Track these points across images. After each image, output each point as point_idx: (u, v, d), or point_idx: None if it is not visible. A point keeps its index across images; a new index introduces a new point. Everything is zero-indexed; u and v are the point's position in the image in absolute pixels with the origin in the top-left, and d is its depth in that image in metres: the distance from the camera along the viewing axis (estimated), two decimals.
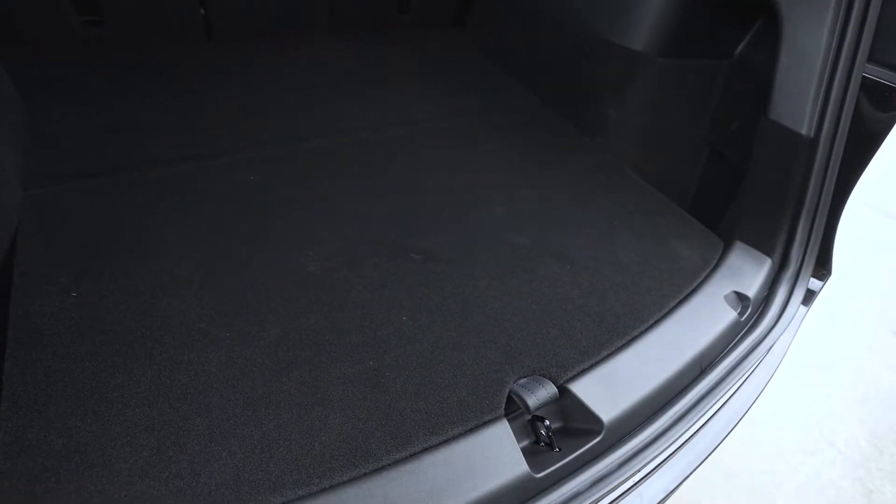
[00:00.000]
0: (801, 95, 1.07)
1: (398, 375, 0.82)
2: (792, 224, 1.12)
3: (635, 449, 0.80)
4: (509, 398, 0.82)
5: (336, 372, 0.81)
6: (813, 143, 1.07)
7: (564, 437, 0.82)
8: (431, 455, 0.73)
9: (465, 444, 0.75)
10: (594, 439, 0.80)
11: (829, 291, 2.49)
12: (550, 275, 1.06)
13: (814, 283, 1.17)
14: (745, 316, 1.07)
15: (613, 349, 0.92)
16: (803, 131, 1.07)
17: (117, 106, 1.37)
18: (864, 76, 1.02)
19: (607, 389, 0.85)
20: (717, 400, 0.93)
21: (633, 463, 0.79)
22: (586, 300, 1.01)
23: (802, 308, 1.12)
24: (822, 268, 1.16)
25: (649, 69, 1.43)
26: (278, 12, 1.80)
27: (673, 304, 1.04)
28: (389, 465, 0.71)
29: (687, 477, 0.88)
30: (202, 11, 1.70)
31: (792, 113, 1.09)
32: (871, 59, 1.01)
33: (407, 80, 1.72)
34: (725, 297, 1.07)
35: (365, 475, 0.69)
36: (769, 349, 1.03)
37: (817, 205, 1.10)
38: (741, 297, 1.09)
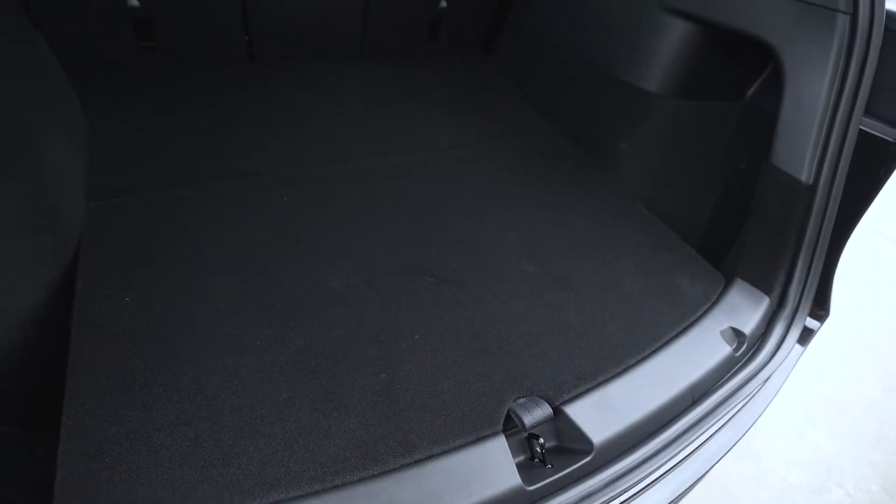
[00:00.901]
0: (801, 144, 1.13)
1: (408, 388, 0.91)
2: (791, 265, 1.17)
3: (623, 470, 0.87)
4: (508, 416, 0.90)
5: (352, 382, 0.90)
6: (812, 189, 1.12)
7: (557, 455, 0.89)
8: (434, 463, 0.80)
9: (465, 454, 0.82)
10: (584, 459, 0.86)
11: (847, 326, 2.47)
12: (555, 301, 1.13)
13: (812, 323, 1.21)
14: (741, 352, 1.12)
15: (609, 376, 0.99)
16: (803, 178, 1.13)
17: (168, 124, 1.51)
18: (861, 129, 1.07)
19: (600, 413, 0.92)
20: (707, 430, 0.98)
21: (620, 483, 0.85)
22: (587, 328, 1.08)
23: (798, 347, 1.16)
24: (820, 308, 1.20)
25: (662, 109, 1.50)
26: (314, 38, 1.94)
27: (670, 335, 1.10)
28: (395, 469, 0.79)
29: (675, 500, 0.94)
30: (246, 38, 1.85)
31: (793, 160, 1.15)
32: (869, 112, 1.07)
33: (432, 106, 1.83)
34: (722, 333, 1.13)
35: (373, 476, 0.78)
36: (762, 384, 1.08)
37: (815, 248, 1.15)
38: (737, 333, 1.14)
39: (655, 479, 0.89)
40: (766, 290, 1.20)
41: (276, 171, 1.40)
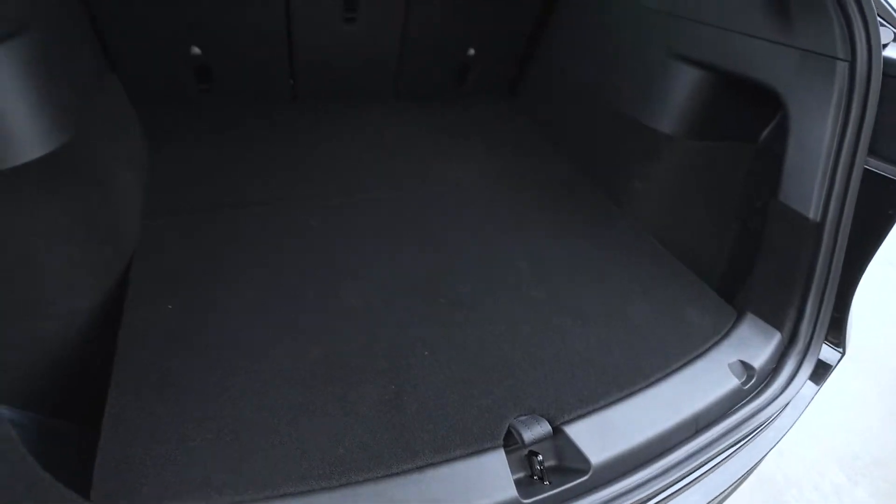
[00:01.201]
0: (808, 182, 1.16)
1: (415, 400, 0.96)
2: (802, 300, 1.18)
3: (620, 491, 0.88)
4: (509, 431, 0.93)
5: (363, 391, 0.97)
6: (819, 226, 1.14)
7: (556, 473, 0.91)
8: (434, 470, 0.85)
9: (465, 464, 0.87)
10: (581, 478, 0.88)
11: (882, 369, 2.34)
12: (562, 327, 1.18)
13: (829, 358, 1.20)
14: (749, 385, 1.12)
15: (611, 400, 1.01)
16: (810, 215, 1.16)
17: (217, 155, 1.68)
18: (868, 168, 1.10)
19: (600, 435, 0.94)
20: (711, 459, 0.98)
21: (617, 503, 0.87)
22: (592, 353, 1.12)
23: (811, 385, 1.15)
24: (835, 345, 1.19)
25: (675, 149, 1.56)
26: (352, 80, 2.12)
27: (676, 365, 1.12)
28: (398, 473, 0.84)
29: None
30: (291, 81, 2.05)
31: (800, 197, 1.18)
32: (875, 153, 1.10)
33: (457, 143, 1.95)
34: (730, 365, 1.14)
35: (377, 478, 0.83)
36: (770, 419, 1.07)
37: (826, 283, 1.15)
38: (746, 367, 1.14)
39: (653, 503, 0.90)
40: (778, 326, 1.21)
41: (309, 198, 1.53)
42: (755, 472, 1.17)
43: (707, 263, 1.50)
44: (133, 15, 1.64)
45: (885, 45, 1.08)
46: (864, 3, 1.03)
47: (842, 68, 1.09)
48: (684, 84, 1.50)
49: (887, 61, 1.06)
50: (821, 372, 1.19)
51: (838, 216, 1.13)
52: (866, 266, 1.15)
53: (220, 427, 0.88)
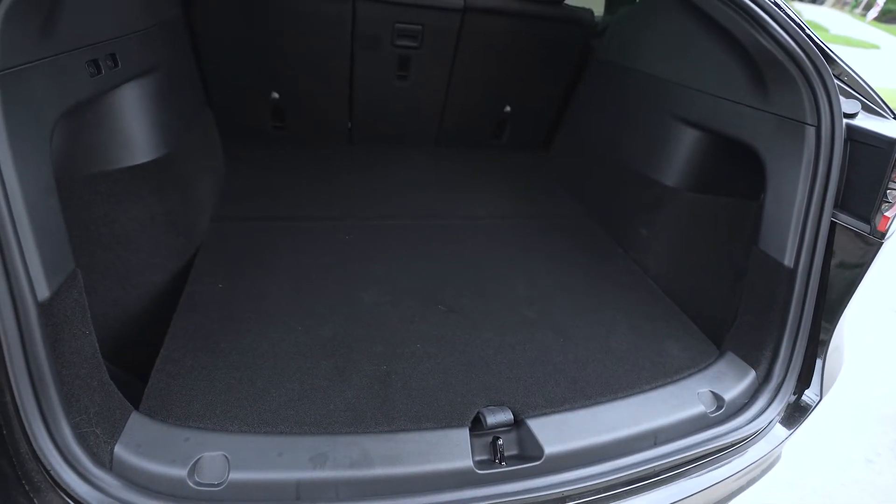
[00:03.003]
0: (783, 231, 1.27)
1: (400, 379, 1.13)
2: (776, 341, 1.25)
3: (567, 480, 0.98)
4: (477, 417, 1.07)
5: (359, 367, 1.15)
6: (792, 272, 1.23)
7: (513, 459, 1.03)
8: (405, 434, 1.00)
9: (433, 434, 1.01)
10: (533, 462, 1.00)
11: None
12: (545, 341, 1.31)
13: (808, 400, 1.24)
14: (717, 415, 1.18)
15: (576, 405, 1.13)
16: (785, 261, 1.25)
17: (279, 180, 2.02)
18: (837, 222, 1.19)
19: (558, 431, 1.06)
20: (665, 471, 1.05)
21: (561, 489, 0.97)
22: (567, 366, 1.24)
23: (782, 427, 1.19)
24: (808, 388, 1.23)
25: (678, 201, 1.70)
26: (400, 128, 2.46)
27: (646, 387, 1.21)
28: (375, 432, 1.00)
29: None
30: (349, 125, 2.42)
31: (776, 245, 1.28)
32: (844, 208, 1.20)
33: (485, 186, 2.19)
34: (700, 394, 1.21)
35: (356, 433, 0.99)
36: (735, 446, 1.13)
37: (798, 326, 1.22)
38: (717, 397, 1.21)
39: (600, 496, 0.99)
40: (753, 364, 1.27)
41: (348, 219, 1.80)
42: None
43: (701, 306, 1.58)
44: (229, 64, 2.07)
45: (853, 115, 1.21)
46: (827, 78, 1.18)
47: (810, 132, 1.22)
48: (685, 142, 1.66)
49: (853, 128, 1.18)
50: (797, 415, 1.23)
51: (809, 263, 1.22)
52: (842, 312, 1.21)
53: (242, 376, 1.09)
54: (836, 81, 1.18)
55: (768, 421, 1.17)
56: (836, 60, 1.21)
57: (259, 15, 2.00)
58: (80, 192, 1.23)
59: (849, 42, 14.49)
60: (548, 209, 2.08)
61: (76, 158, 1.22)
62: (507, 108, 2.48)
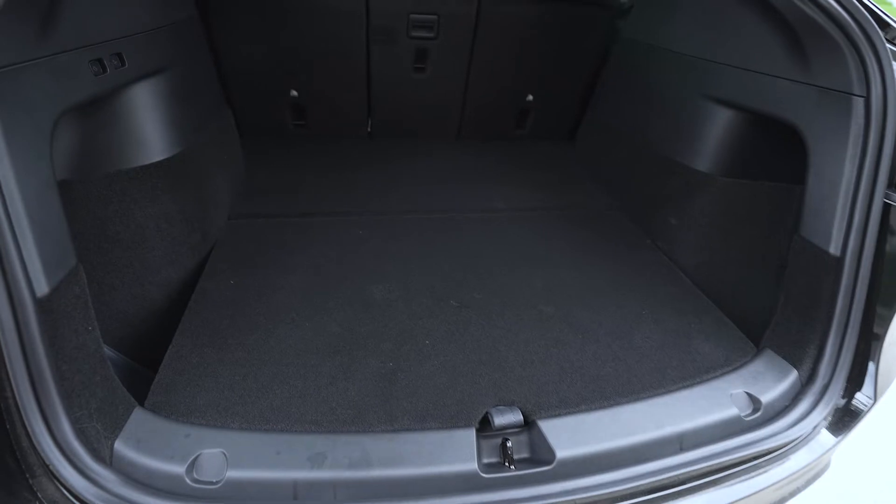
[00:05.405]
0: (828, 217, 1.14)
1: (407, 378, 1.09)
2: (822, 338, 1.12)
3: (580, 487, 0.91)
4: (485, 417, 1.01)
5: (365, 364, 1.12)
6: (839, 261, 1.11)
7: (523, 463, 0.97)
8: (408, 434, 0.96)
9: (436, 435, 0.96)
10: (544, 467, 0.93)
11: None
12: (562, 339, 1.24)
13: (859, 406, 1.11)
14: (753, 418, 1.08)
15: (593, 406, 1.05)
16: (831, 250, 1.12)
17: (297, 177, 2.02)
18: (885, 202, 1.06)
19: (572, 433, 0.99)
20: (691, 479, 0.96)
21: (574, 497, 0.90)
22: (585, 364, 1.16)
23: (828, 434, 1.07)
24: (859, 389, 1.10)
25: (712, 187, 1.57)
26: (421, 122, 2.42)
27: (672, 387, 1.12)
28: (376, 431, 0.96)
29: None
30: (369, 121, 2.40)
31: (820, 232, 1.15)
32: (893, 185, 1.06)
33: (507, 179, 2.12)
34: (733, 395, 1.11)
35: (357, 432, 0.96)
36: (773, 454, 1.02)
37: (847, 321, 1.10)
38: (752, 399, 1.10)
39: None
40: (795, 364, 1.15)
41: (363, 214, 1.78)
42: None
43: (736, 301, 1.46)
44: (247, 62, 2.09)
45: None
46: (878, 43, 1.04)
47: (858, 104, 1.09)
48: (716, 123, 1.54)
49: None
50: (846, 420, 1.11)
51: (859, 251, 1.09)
52: None
53: (246, 372, 1.08)
54: (888, 46, 1.05)
55: (812, 426, 1.06)
56: (890, 23, 1.08)
57: (274, 13, 2.01)
58: (96, 190, 1.26)
59: None
60: (571, 199, 1.98)
61: (91, 158, 1.25)
62: (530, 97, 2.40)
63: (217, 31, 1.98)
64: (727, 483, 0.99)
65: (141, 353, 1.34)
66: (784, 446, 1.03)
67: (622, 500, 0.93)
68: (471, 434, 0.97)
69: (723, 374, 1.16)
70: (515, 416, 1.00)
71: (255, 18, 2.01)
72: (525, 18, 2.14)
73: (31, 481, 0.79)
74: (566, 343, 1.22)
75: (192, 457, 0.88)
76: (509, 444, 0.97)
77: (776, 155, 1.50)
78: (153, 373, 1.17)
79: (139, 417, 0.93)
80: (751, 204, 1.54)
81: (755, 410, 1.09)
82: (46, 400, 0.79)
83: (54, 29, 0.93)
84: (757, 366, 1.18)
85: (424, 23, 2.08)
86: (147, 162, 1.33)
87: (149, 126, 1.34)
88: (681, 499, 0.96)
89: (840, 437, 1.09)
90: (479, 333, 1.23)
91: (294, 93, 2.21)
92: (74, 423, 0.82)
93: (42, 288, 0.81)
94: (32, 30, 0.87)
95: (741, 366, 1.19)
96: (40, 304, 0.80)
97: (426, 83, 2.28)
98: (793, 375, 1.14)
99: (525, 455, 0.99)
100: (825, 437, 1.08)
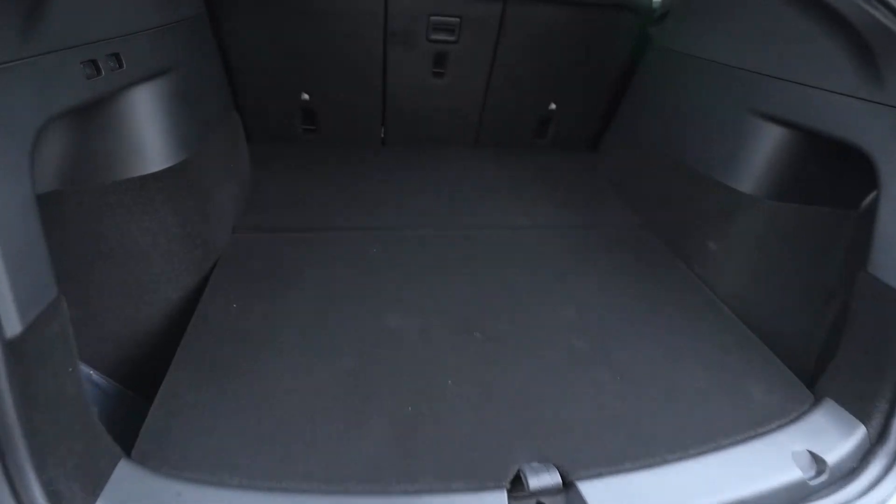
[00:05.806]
0: None
1: (427, 426, 0.97)
2: (894, 392, 1.00)
3: None
4: (517, 475, 0.89)
5: (380, 408, 1.00)
6: None
7: None
8: (430, 497, 0.84)
9: (463, 498, 0.84)
10: None
11: None
12: (598, 381, 1.11)
13: None
14: (818, 482, 0.95)
15: (638, 465, 0.93)
16: None
17: (308, 187, 1.90)
18: None
19: (616, 498, 0.86)
20: None
21: None
22: (627, 413, 1.04)
23: None
24: None
25: (756, 210, 1.45)
26: (436, 129, 2.30)
27: (725, 441, 0.99)
28: (395, 492, 0.84)
29: None
30: (382, 128, 2.28)
31: (892, 269, 1.03)
32: None
33: (528, 192, 1.99)
34: (795, 454, 0.98)
35: (373, 493, 0.84)
36: None
37: None
38: (817, 460, 0.98)
39: None
40: (863, 418, 1.02)
41: (376, 230, 1.66)
42: None
43: (787, 339, 1.33)
44: (257, 64, 1.98)
45: None
46: None
47: None
48: (766, 142, 1.41)
49: None
50: None
51: None
52: None
53: (248, 416, 0.96)
54: None
55: (889, 493, 0.93)
56: None
57: (287, 11, 1.89)
58: (88, 203, 1.14)
59: None
60: (598, 218, 1.86)
61: (83, 167, 1.14)
62: (552, 106, 2.27)
63: (226, 29, 1.86)
64: None
65: (134, 380, 1.22)
66: None
67: None
68: (502, 497, 0.85)
69: (780, 427, 1.04)
70: (553, 478, 0.88)
71: (267, 16, 1.89)
72: (550, 23, 2.02)
73: None
74: (604, 386, 1.10)
75: None
76: None
77: (830, 177, 1.38)
78: (147, 401, 1.06)
79: (124, 472, 0.82)
80: (799, 230, 1.41)
81: (819, 472, 0.96)
82: (12, 459, 0.68)
83: (41, 26, 0.81)
84: (817, 418, 1.06)
85: (446, 25, 1.97)
86: (145, 172, 1.22)
87: (149, 133, 1.23)
88: None
89: None
90: (507, 372, 1.11)
91: (305, 96, 2.09)
92: (46, 485, 0.70)
93: (14, 328, 0.70)
94: (14, 27, 0.76)
95: (798, 417, 1.06)
96: (11, 346, 0.69)
97: (444, 89, 2.16)
98: (860, 432, 1.01)
99: None
100: None
